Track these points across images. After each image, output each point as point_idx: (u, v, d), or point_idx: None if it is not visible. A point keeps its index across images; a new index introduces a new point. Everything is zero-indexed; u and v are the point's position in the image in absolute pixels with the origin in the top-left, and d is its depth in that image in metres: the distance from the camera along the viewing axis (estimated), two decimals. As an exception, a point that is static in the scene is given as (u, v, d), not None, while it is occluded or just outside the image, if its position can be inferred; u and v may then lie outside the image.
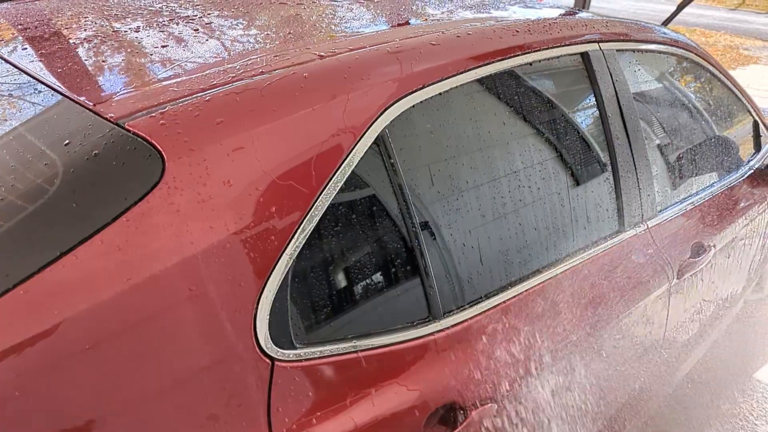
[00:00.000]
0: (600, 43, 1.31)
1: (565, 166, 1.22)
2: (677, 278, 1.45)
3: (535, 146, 1.16)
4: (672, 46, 1.63)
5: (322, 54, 0.89)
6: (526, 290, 1.06)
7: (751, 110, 2.07)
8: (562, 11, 1.51)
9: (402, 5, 1.34)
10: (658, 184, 1.47)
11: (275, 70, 0.82)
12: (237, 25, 1.12)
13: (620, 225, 1.33)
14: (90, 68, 0.89)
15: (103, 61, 0.91)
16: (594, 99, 1.30)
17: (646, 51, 1.55)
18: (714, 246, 1.63)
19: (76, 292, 0.60)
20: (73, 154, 0.67)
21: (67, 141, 0.69)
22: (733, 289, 2.00)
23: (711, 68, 1.81)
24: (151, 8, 1.22)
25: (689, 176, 1.66)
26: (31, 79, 0.85)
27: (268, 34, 1.06)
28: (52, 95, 0.79)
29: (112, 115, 0.70)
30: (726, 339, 2.40)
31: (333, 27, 1.11)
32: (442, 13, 1.28)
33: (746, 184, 1.91)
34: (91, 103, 0.73)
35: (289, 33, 1.05)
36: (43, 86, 0.82)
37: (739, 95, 1.99)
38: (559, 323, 1.11)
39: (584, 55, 1.27)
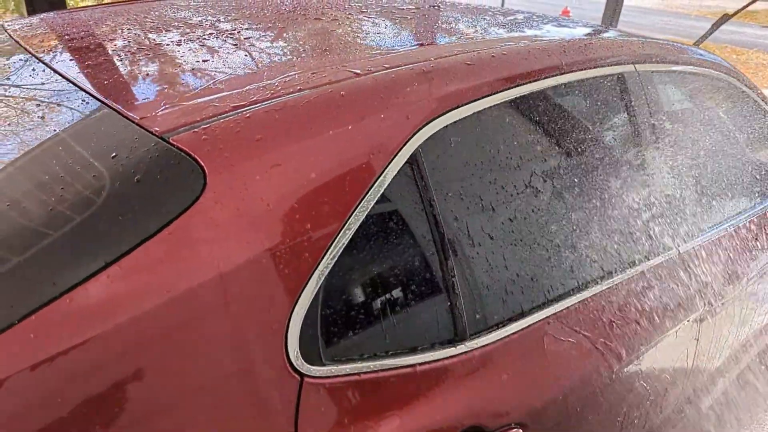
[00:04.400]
0: (636, 65, 1.30)
1: (598, 188, 1.21)
2: (708, 305, 1.42)
3: (568, 168, 1.16)
4: (707, 67, 1.61)
5: (359, 72, 0.90)
6: (554, 313, 1.05)
7: (787, 133, 2.03)
8: (597, 31, 1.50)
9: (436, 23, 1.35)
10: (692, 208, 1.45)
11: (313, 87, 0.84)
12: (274, 40, 1.14)
13: (652, 249, 1.31)
14: (134, 81, 0.92)
15: (147, 74, 0.93)
16: (629, 121, 1.29)
17: (682, 72, 1.53)
18: (747, 273, 1.60)
19: (119, 302, 0.62)
20: (119, 166, 0.69)
21: (114, 153, 0.71)
22: (764, 318, 1.95)
23: (747, 90, 1.79)
24: (190, 22, 1.25)
25: (723, 201, 1.63)
26: (79, 89, 0.88)
27: (305, 49, 1.08)
28: (99, 107, 0.82)
29: (157, 129, 0.72)
30: (755, 368, 2.34)
31: (368, 44, 1.13)
32: (476, 32, 1.28)
33: (781, 209, 1.87)
34: (138, 117, 0.75)
35: (326, 49, 1.06)
36: (90, 97, 0.85)
37: (775, 118, 1.96)
38: (587, 348, 1.10)
39: (620, 77, 1.26)
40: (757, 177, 1.80)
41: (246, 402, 0.71)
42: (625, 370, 1.19)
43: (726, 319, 1.59)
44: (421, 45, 1.16)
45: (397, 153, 0.86)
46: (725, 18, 2.34)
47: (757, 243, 1.70)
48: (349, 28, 1.26)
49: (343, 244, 0.79)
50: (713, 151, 1.68)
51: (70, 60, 1.02)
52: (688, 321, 1.37)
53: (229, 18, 1.30)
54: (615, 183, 1.26)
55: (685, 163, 1.49)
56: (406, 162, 0.87)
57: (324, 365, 0.77)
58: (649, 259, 1.30)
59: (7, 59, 1.11)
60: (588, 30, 1.50)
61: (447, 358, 0.89)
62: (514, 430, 0.94)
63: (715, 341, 1.58)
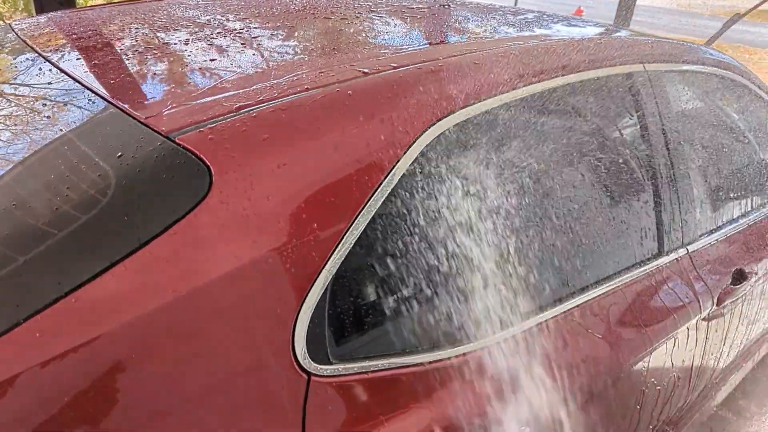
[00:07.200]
0: (645, 64, 1.29)
1: (605, 188, 1.20)
2: (716, 305, 1.41)
3: (576, 168, 1.15)
4: (717, 67, 1.59)
5: (366, 71, 0.89)
6: (564, 312, 1.05)
7: (799, 133, 2.00)
8: (606, 30, 1.49)
9: (445, 22, 1.34)
10: (701, 208, 1.44)
11: (320, 86, 0.83)
12: (282, 40, 1.14)
13: (660, 249, 1.30)
14: (140, 80, 0.92)
15: (154, 73, 0.93)
16: (637, 120, 1.28)
17: (692, 72, 1.52)
18: (755, 273, 1.58)
19: (125, 301, 0.62)
20: (125, 166, 0.69)
21: (119, 153, 0.71)
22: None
23: (757, 90, 1.77)
24: (198, 21, 1.25)
25: (732, 200, 1.62)
26: (85, 89, 0.88)
27: (312, 48, 1.07)
28: (105, 106, 0.82)
29: (163, 128, 0.72)
30: (763, 367, 2.33)
31: (377, 43, 1.12)
32: (486, 31, 1.28)
33: (792, 209, 1.85)
34: (143, 116, 0.75)
35: (334, 48, 1.06)
36: (96, 97, 0.85)
37: (786, 118, 1.93)
38: (595, 348, 1.09)
39: (629, 76, 1.25)
40: (766, 176, 1.79)
41: (253, 401, 0.71)
42: (634, 368, 1.18)
43: (735, 318, 1.58)
44: (430, 44, 1.16)
45: (405, 152, 0.85)
46: (736, 17, 2.32)
47: (767, 241, 1.68)
48: (358, 27, 1.26)
49: (351, 243, 0.79)
50: (723, 150, 1.67)
51: (77, 59, 1.02)
52: (697, 320, 1.36)
53: (238, 17, 1.30)
54: (623, 181, 1.25)
55: (695, 162, 1.48)
56: (414, 161, 0.87)
57: (331, 364, 0.77)
58: (658, 258, 1.29)
59: (14, 58, 1.12)
60: (597, 29, 1.48)
61: (456, 356, 0.88)
62: (524, 427, 0.93)
63: (723, 340, 1.57)
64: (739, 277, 1.49)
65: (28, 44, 1.14)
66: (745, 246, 1.60)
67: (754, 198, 1.74)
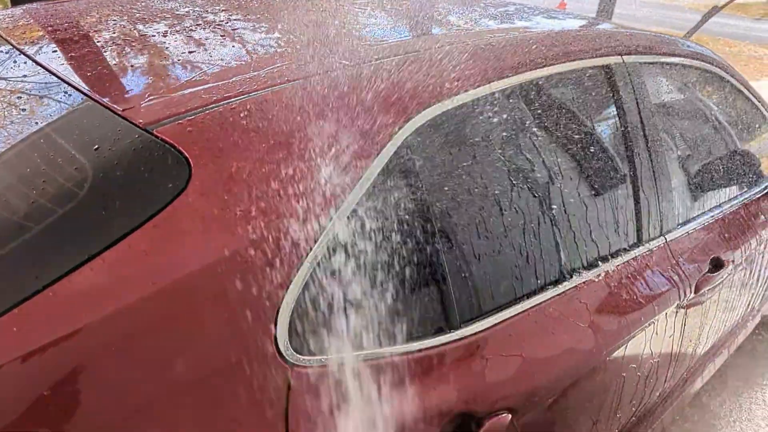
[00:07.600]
0: (623, 56, 1.31)
1: (585, 178, 1.21)
2: (694, 293, 1.43)
3: (556, 158, 1.16)
4: (695, 59, 1.61)
5: (347, 63, 0.89)
6: (545, 301, 1.06)
7: (775, 124, 2.04)
8: (586, 22, 1.50)
9: (425, 15, 1.34)
10: (678, 197, 1.46)
11: (300, 78, 0.83)
12: (262, 32, 1.14)
13: (638, 238, 1.32)
14: (118, 73, 0.91)
15: (132, 66, 0.93)
16: (616, 111, 1.29)
17: (670, 64, 1.53)
18: (732, 261, 1.61)
19: (103, 294, 0.62)
20: (102, 159, 0.69)
21: (96, 146, 0.70)
22: (750, 305, 1.97)
23: (734, 82, 1.80)
24: (177, 12, 1.24)
25: (710, 190, 1.64)
26: (61, 81, 0.87)
27: (292, 41, 1.07)
28: (81, 99, 0.81)
29: (141, 121, 0.72)
30: (741, 354, 2.38)
31: (358, 35, 1.12)
32: (465, 23, 1.28)
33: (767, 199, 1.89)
34: (121, 109, 0.75)
35: (315, 40, 1.06)
36: (72, 89, 0.84)
37: (763, 109, 1.97)
38: (575, 334, 1.11)
39: (607, 68, 1.27)
40: (743, 166, 1.82)
41: (236, 392, 0.71)
42: (614, 355, 1.20)
43: (713, 306, 1.61)
44: (410, 36, 1.16)
45: (387, 144, 0.85)
46: (715, 10, 2.35)
47: (744, 230, 1.71)
48: (339, 20, 1.25)
49: (334, 234, 0.79)
50: (701, 141, 1.69)
51: (53, 52, 1.01)
52: (675, 307, 1.38)
53: (218, 9, 1.29)
54: (601, 172, 1.26)
55: (673, 153, 1.50)
56: (395, 153, 0.87)
57: (313, 355, 0.77)
58: (637, 248, 1.31)
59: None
60: (576, 21, 1.50)
61: (438, 345, 0.89)
62: (504, 415, 0.95)
63: (701, 327, 1.60)
64: (717, 265, 1.52)
65: (3, 37, 1.12)
66: (722, 235, 1.63)
67: (732, 187, 1.77)
